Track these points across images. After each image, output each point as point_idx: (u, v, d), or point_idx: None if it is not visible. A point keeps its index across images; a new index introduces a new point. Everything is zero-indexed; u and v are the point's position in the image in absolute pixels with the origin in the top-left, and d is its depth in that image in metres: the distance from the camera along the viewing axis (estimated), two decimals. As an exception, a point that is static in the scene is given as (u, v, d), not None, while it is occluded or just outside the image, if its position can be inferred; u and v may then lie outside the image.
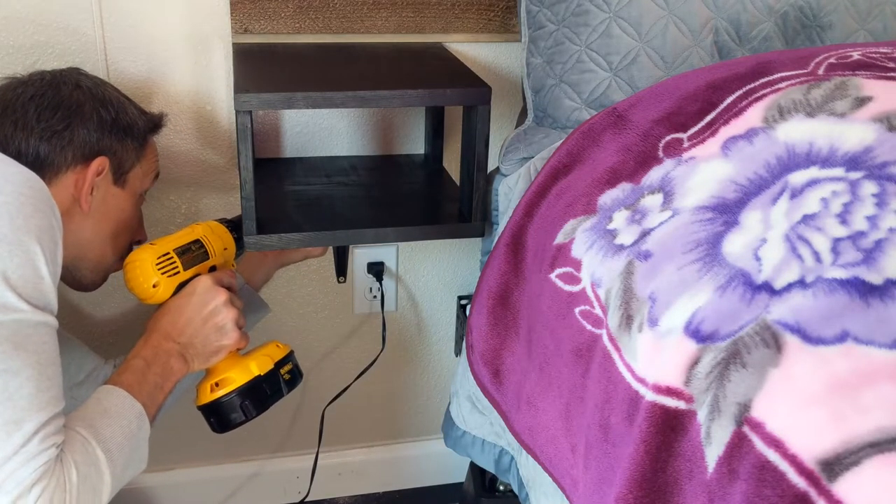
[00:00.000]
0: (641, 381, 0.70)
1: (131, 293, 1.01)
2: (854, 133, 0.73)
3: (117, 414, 0.85)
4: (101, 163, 0.97)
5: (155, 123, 1.09)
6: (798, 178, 0.72)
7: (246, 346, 1.04)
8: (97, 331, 1.35)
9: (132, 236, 1.06)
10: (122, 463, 0.83)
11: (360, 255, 1.41)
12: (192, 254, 1.03)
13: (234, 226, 1.12)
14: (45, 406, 0.75)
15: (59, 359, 0.79)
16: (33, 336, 0.75)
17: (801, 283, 0.64)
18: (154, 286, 0.99)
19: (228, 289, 1.02)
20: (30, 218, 0.77)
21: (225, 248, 1.09)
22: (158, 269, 0.99)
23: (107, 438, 0.82)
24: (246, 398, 1.01)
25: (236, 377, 1.01)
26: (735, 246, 0.70)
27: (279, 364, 1.05)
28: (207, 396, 1.01)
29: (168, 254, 1.01)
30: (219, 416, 1.02)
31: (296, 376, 1.07)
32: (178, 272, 1.01)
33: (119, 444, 0.83)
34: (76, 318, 1.33)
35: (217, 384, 1.01)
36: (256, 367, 1.02)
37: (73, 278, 1.02)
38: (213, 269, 1.06)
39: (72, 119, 0.96)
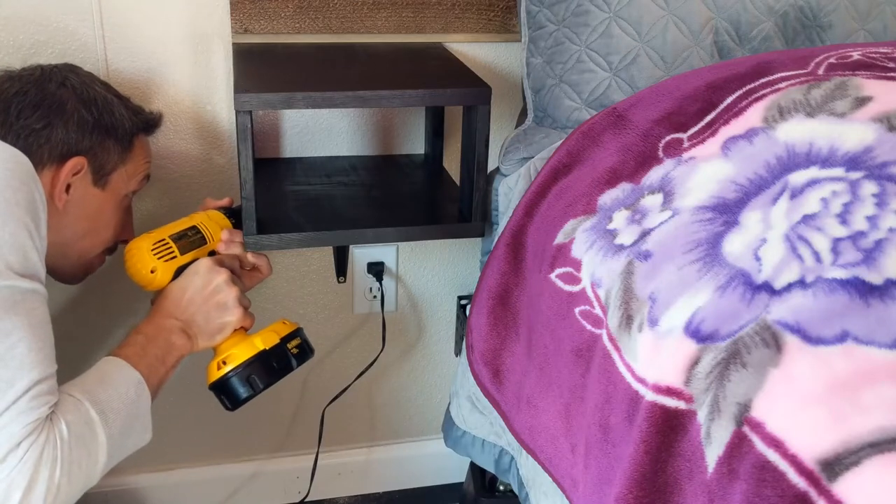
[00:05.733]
0: (641, 380, 0.70)
1: (132, 280, 1.04)
2: (854, 133, 0.73)
3: (114, 380, 0.87)
4: (76, 162, 0.97)
5: (147, 123, 1.09)
6: (798, 178, 0.72)
7: (252, 325, 1.06)
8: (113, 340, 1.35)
9: (115, 236, 1.07)
10: (119, 427, 0.84)
11: (360, 255, 1.41)
12: (189, 239, 1.06)
13: (232, 212, 1.14)
14: (37, 366, 0.76)
15: (50, 324, 0.81)
16: (23, 302, 0.77)
17: (801, 283, 0.64)
18: (152, 272, 1.02)
19: (231, 270, 1.04)
20: (17, 191, 0.79)
21: None
22: (155, 255, 1.03)
23: (102, 401, 0.83)
24: (252, 372, 1.03)
25: (241, 352, 1.03)
26: (735, 246, 0.70)
27: (286, 339, 1.07)
28: (214, 374, 1.04)
29: (164, 240, 1.04)
30: (227, 392, 1.04)
31: (305, 351, 1.09)
32: (175, 257, 1.04)
33: (115, 409, 0.84)
34: (92, 326, 1.33)
35: (224, 361, 1.03)
36: (261, 341, 1.04)
37: (54, 273, 1.02)
38: (212, 253, 1.08)
39: (51, 118, 0.96)
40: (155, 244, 1.03)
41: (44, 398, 0.76)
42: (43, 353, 0.78)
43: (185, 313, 1.00)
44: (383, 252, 1.42)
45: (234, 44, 1.21)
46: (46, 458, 0.74)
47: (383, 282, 1.43)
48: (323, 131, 1.33)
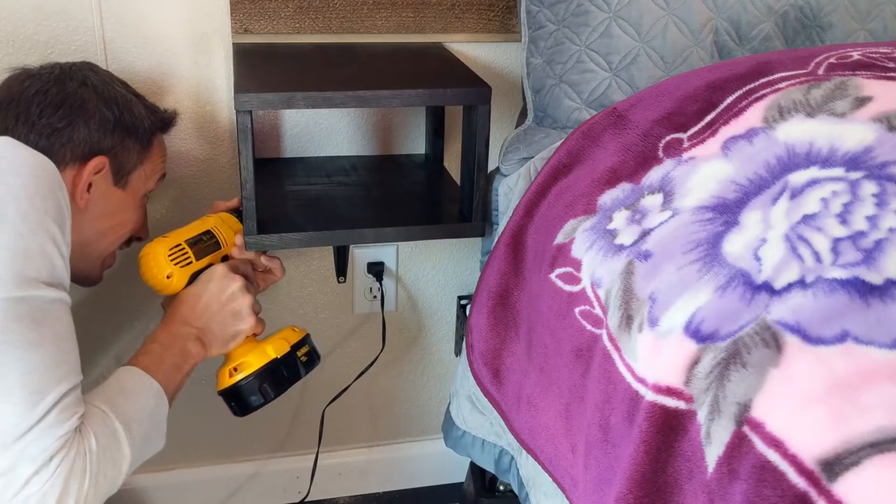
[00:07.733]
0: (641, 381, 0.70)
1: (147, 285, 1.04)
2: (854, 133, 0.73)
3: (135, 391, 0.88)
4: (99, 162, 0.97)
5: (164, 122, 1.09)
6: (798, 178, 0.72)
7: (263, 331, 1.07)
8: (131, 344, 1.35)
9: (133, 235, 1.08)
10: (140, 437, 0.86)
11: (360, 255, 1.41)
12: (204, 244, 1.07)
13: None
14: (65, 377, 0.77)
15: (74, 333, 0.82)
16: (50, 312, 0.78)
17: (801, 283, 0.64)
18: (168, 277, 1.03)
19: (244, 276, 1.05)
20: (45, 199, 0.80)
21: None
22: (171, 260, 1.03)
23: (125, 413, 0.85)
24: (264, 381, 1.04)
25: (253, 361, 1.04)
26: (735, 246, 0.70)
27: (295, 347, 1.08)
28: (226, 381, 1.05)
29: (180, 245, 1.05)
30: (238, 399, 1.05)
31: (313, 358, 1.11)
32: (191, 262, 1.05)
33: (138, 419, 0.86)
34: (101, 329, 1.33)
35: (235, 369, 1.04)
36: (273, 350, 1.05)
37: (77, 276, 1.02)
38: (226, 258, 1.09)
39: (73, 117, 0.96)
40: (171, 249, 1.04)
41: (72, 410, 0.77)
42: (69, 365, 0.78)
43: (199, 320, 1.01)
44: (383, 252, 1.42)
45: (234, 44, 1.21)
46: (77, 470, 0.76)
47: (383, 282, 1.43)
48: (323, 131, 1.33)
